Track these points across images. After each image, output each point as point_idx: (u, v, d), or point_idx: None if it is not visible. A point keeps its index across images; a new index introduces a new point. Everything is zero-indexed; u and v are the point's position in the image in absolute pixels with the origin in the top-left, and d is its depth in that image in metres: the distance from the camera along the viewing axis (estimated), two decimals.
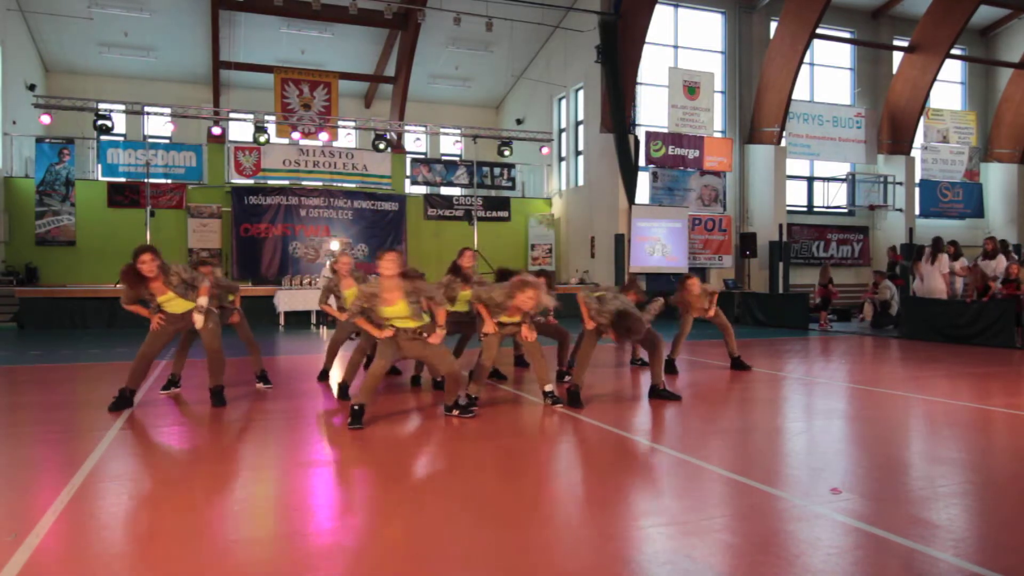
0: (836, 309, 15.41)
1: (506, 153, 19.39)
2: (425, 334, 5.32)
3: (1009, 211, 22.41)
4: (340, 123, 18.88)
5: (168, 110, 17.08)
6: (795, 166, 20.65)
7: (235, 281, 7.41)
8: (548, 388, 5.98)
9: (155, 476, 4.05)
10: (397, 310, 5.21)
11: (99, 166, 17.31)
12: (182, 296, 5.72)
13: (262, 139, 17.30)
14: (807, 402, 6.56)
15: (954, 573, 2.68)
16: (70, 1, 16.55)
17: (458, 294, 6.83)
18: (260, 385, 6.87)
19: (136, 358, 5.72)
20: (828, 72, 21.47)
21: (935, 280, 12.35)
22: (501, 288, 5.85)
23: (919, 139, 21.00)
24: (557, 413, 5.66)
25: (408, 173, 19.81)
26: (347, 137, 20.52)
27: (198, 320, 5.66)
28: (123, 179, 17.06)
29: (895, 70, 20.92)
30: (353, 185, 18.81)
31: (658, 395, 6.25)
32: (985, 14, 21.12)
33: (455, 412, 5.50)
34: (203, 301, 5.71)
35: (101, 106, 16.13)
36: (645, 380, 7.45)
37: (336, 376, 7.14)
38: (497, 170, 20.22)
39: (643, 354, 8.34)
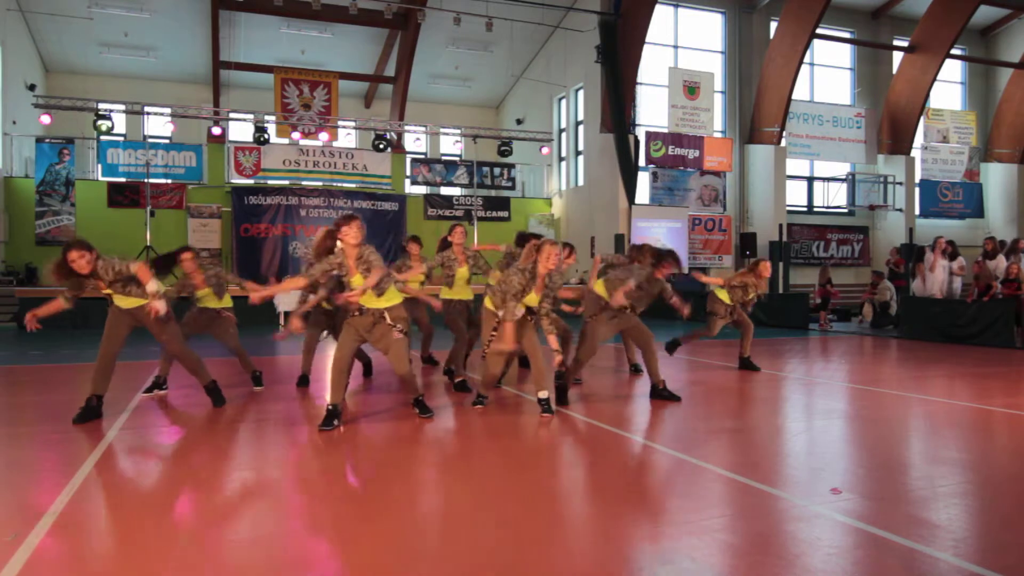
0: (836, 309, 15.40)
1: (506, 153, 19.40)
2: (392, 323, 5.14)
3: (1009, 211, 22.40)
4: (340, 123, 18.88)
5: (168, 110, 17.09)
6: (795, 166, 20.64)
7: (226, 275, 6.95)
8: (543, 395, 5.60)
9: (154, 476, 4.05)
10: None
11: (99, 166, 17.31)
12: (121, 292, 5.34)
13: (262, 139, 17.31)
14: (807, 402, 6.56)
15: (954, 573, 2.68)
16: (70, 1, 16.55)
17: (454, 272, 6.75)
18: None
19: (97, 360, 5.43)
20: (828, 72, 21.47)
21: (932, 280, 12.38)
22: (517, 270, 5.42)
23: (919, 139, 20.99)
24: (557, 412, 5.65)
25: (408, 173, 19.81)
26: (347, 137, 20.52)
27: (159, 306, 5.21)
28: (123, 179, 17.06)
29: (895, 70, 20.92)
30: (353, 185, 18.81)
31: (658, 395, 6.23)
32: (985, 14, 21.12)
33: (416, 411, 5.45)
34: (152, 287, 5.16)
35: (101, 106, 16.14)
36: (645, 381, 7.45)
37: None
38: (497, 170, 20.22)
39: (638, 358, 8.27)
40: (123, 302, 5.42)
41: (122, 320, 5.48)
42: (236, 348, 6.73)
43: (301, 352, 7.11)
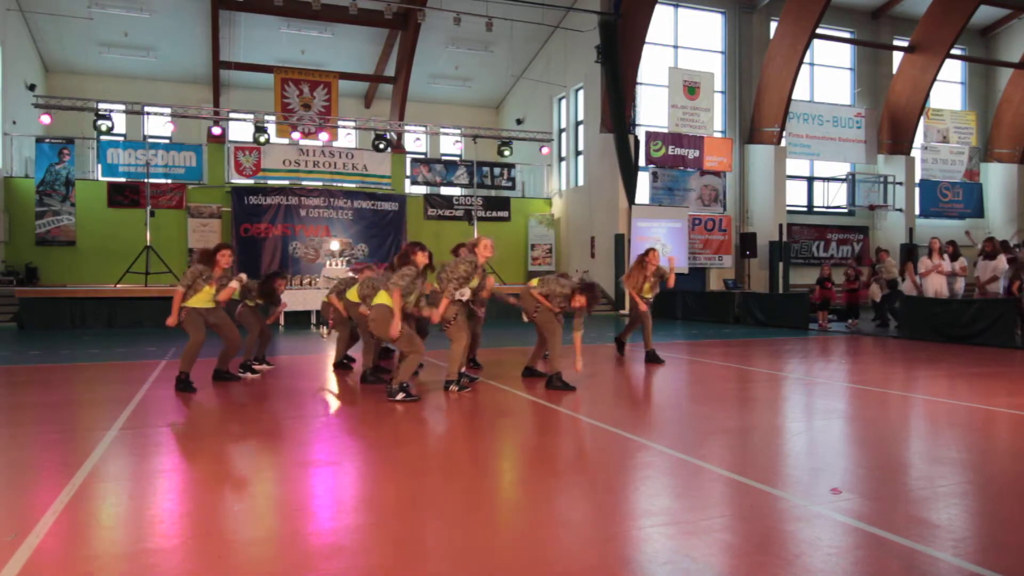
0: (836, 309, 15.37)
1: (506, 153, 19.40)
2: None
3: (1009, 211, 22.41)
4: (340, 123, 18.88)
5: (168, 110, 17.09)
6: (795, 166, 20.65)
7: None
8: (450, 377, 6.37)
9: (155, 476, 4.05)
10: None
11: (99, 166, 17.32)
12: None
13: (262, 139, 17.30)
14: (807, 402, 6.56)
15: (954, 573, 2.68)
16: (70, 1, 16.55)
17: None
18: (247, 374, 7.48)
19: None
20: (828, 72, 21.48)
21: (928, 281, 12.35)
22: (466, 267, 6.34)
23: (919, 139, 21.00)
24: (557, 412, 5.65)
25: (408, 173, 19.82)
26: (347, 137, 20.53)
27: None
28: (123, 179, 17.07)
29: (895, 70, 20.93)
30: (353, 185, 18.80)
31: (552, 384, 6.52)
32: (985, 14, 21.13)
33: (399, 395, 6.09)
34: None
35: (101, 106, 16.14)
36: (644, 379, 7.46)
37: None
38: (497, 170, 20.22)
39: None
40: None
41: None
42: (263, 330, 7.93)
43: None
